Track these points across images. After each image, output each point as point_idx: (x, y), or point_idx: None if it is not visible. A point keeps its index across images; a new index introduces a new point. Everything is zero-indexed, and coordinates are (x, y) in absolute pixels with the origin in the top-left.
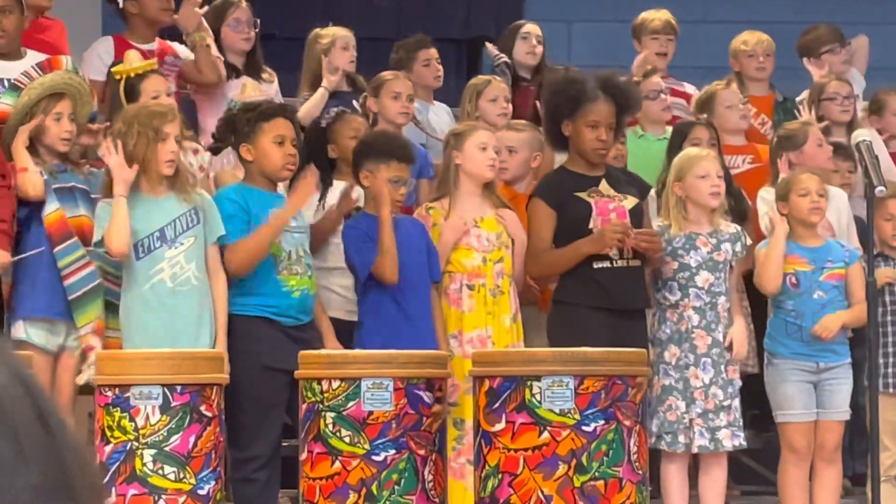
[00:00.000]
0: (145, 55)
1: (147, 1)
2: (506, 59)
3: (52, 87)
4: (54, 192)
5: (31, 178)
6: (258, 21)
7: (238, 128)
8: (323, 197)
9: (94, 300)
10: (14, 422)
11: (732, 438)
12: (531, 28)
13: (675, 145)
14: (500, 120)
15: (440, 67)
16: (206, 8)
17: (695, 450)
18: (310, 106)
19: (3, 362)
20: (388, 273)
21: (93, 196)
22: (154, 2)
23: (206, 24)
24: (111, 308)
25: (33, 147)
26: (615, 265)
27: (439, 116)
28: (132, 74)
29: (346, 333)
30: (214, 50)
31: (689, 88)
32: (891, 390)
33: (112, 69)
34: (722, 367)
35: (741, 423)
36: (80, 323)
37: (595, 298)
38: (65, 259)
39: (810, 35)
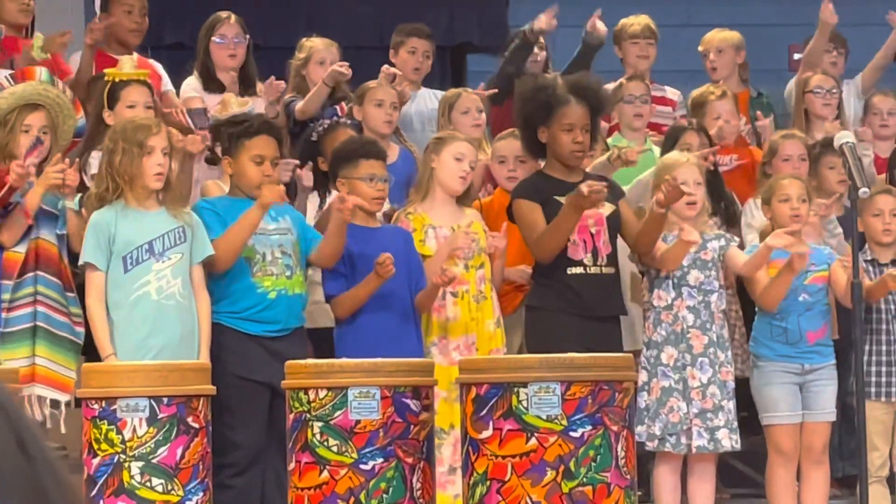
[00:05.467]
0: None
1: (119, 17)
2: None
3: (24, 97)
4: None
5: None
6: (248, 37)
7: (221, 141)
8: (322, 205)
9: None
10: None
11: (730, 439)
12: None
13: (666, 149)
14: (474, 131)
15: (423, 61)
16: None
17: (694, 450)
18: (307, 102)
19: None
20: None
21: (59, 232)
22: (124, 20)
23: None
24: (53, 340)
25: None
26: (589, 272)
27: (425, 101)
28: (118, 79)
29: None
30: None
31: (670, 93)
32: (882, 399)
33: (106, 70)
34: (717, 368)
35: (736, 425)
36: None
37: (569, 304)
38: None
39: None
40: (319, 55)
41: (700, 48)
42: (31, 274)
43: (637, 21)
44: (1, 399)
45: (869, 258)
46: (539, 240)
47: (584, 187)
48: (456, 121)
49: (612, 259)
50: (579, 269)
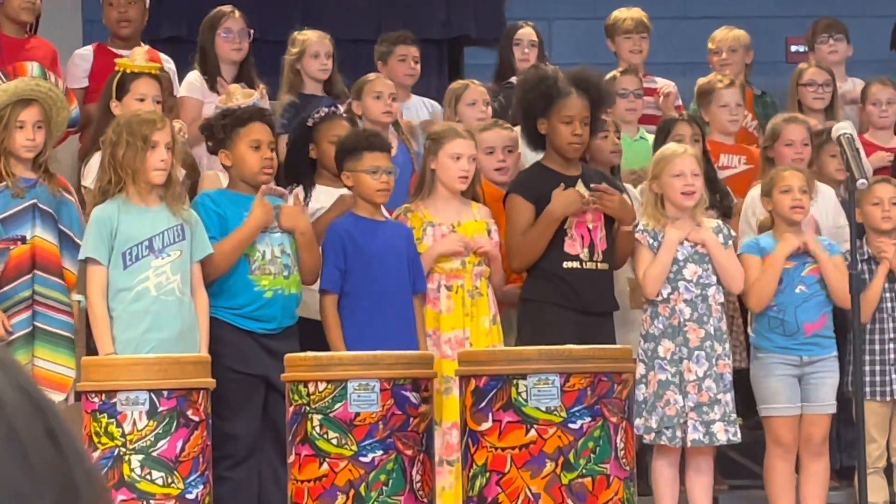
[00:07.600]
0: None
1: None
2: None
3: (17, 93)
4: (2, 222)
5: None
6: (251, 32)
7: (215, 134)
8: (307, 198)
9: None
10: (26, 443)
11: (726, 432)
12: (523, 34)
13: (658, 141)
14: (480, 124)
15: (415, 66)
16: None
17: (689, 444)
18: None
19: (10, 378)
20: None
21: (60, 227)
22: (112, 12)
23: None
24: (52, 339)
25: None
26: (585, 266)
27: (417, 110)
28: (128, 70)
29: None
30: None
31: (660, 84)
32: (878, 398)
33: (117, 60)
34: (714, 361)
35: (734, 417)
36: None
37: (563, 297)
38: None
39: (813, 26)
40: (314, 48)
41: (710, 45)
42: (27, 276)
43: (630, 15)
44: (28, 388)
45: (866, 256)
46: (517, 249)
47: (584, 191)
48: (462, 112)
49: (608, 255)
50: (575, 264)
